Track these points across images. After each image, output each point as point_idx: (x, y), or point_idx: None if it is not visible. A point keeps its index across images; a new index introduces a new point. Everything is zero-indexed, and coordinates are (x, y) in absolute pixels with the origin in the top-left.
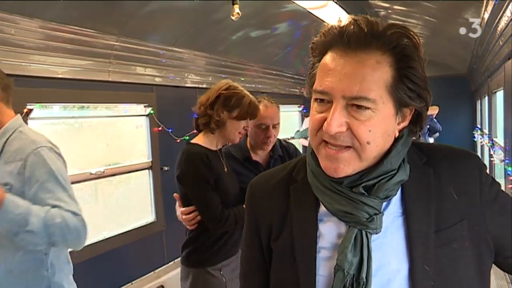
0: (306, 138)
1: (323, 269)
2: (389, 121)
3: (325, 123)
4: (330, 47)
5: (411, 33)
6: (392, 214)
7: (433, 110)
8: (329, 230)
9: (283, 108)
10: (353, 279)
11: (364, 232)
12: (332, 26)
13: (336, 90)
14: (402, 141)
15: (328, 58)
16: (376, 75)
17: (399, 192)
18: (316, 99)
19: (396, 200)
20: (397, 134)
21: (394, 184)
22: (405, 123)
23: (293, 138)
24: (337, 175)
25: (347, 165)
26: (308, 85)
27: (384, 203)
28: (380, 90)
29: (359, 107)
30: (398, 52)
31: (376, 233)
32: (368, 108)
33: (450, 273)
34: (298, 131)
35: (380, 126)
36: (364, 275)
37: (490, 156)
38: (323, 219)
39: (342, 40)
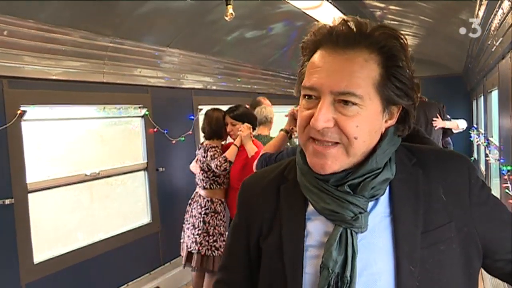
0: None
1: (310, 267)
2: (375, 118)
3: (312, 118)
4: (319, 45)
5: (399, 34)
6: (379, 214)
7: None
8: (316, 229)
9: (279, 108)
10: (338, 277)
11: (349, 231)
12: (322, 25)
13: (324, 85)
14: (388, 139)
15: (317, 56)
16: (364, 72)
17: (387, 193)
18: (304, 96)
19: (384, 200)
20: (383, 131)
21: (379, 182)
22: (393, 121)
23: None
24: (324, 171)
25: (335, 161)
26: (298, 83)
27: (372, 203)
28: (367, 87)
29: (346, 102)
30: (385, 52)
31: (361, 232)
32: (355, 104)
33: (436, 274)
34: None
35: (367, 122)
36: (348, 274)
37: (486, 155)
38: (311, 218)
39: (331, 39)
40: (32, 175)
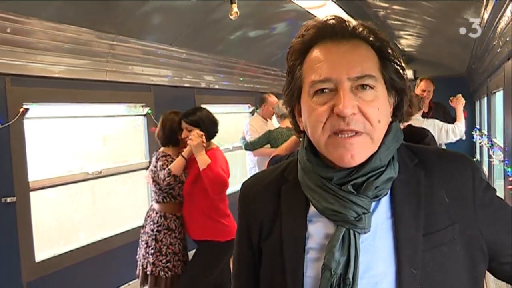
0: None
1: (311, 270)
2: (387, 102)
3: (337, 108)
4: (315, 42)
5: (376, 29)
6: (381, 216)
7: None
8: (317, 231)
9: None
10: (340, 279)
11: (352, 232)
12: (310, 24)
13: (340, 73)
14: (392, 135)
15: (317, 51)
16: (370, 57)
17: (389, 194)
18: (316, 92)
19: (385, 201)
20: (390, 119)
21: (383, 182)
22: (390, 109)
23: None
24: (354, 161)
25: (362, 149)
26: (292, 91)
27: (374, 204)
28: (376, 70)
29: (364, 87)
30: (374, 43)
31: (365, 233)
32: (373, 88)
33: (439, 278)
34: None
35: (384, 105)
36: (350, 275)
37: (489, 156)
38: (312, 220)
39: (326, 32)
40: (34, 173)
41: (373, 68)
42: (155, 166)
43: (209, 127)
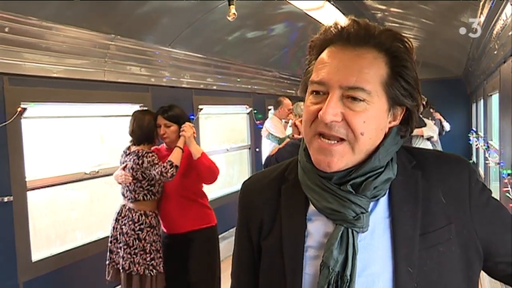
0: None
1: (310, 268)
2: (382, 115)
3: (321, 111)
4: (329, 43)
5: (404, 38)
6: (379, 216)
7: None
8: (317, 229)
9: None
10: (338, 276)
11: (350, 230)
12: (332, 25)
13: (333, 80)
14: (391, 138)
15: (326, 52)
16: (372, 69)
17: (387, 194)
18: (312, 92)
19: (384, 202)
20: (387, 131)
21: (381, 182)
22: (396, 123)
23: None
24: (330, 169)
25: (340, 159)
26: (303, 82)
27: (372, 204)
28: (375, 84)
29: (355, 98)
30: (392, 53)
31: (363, 232)
32: (363, 100)
33: (435, 276)
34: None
35: (374, 119)
36: (348, 273)
37: (486, 159)
38: (312, 219)
39: (342, 36)
40: (32, 173)
41: (372, 80)
42: (138, 164)
43: (185, 122)
